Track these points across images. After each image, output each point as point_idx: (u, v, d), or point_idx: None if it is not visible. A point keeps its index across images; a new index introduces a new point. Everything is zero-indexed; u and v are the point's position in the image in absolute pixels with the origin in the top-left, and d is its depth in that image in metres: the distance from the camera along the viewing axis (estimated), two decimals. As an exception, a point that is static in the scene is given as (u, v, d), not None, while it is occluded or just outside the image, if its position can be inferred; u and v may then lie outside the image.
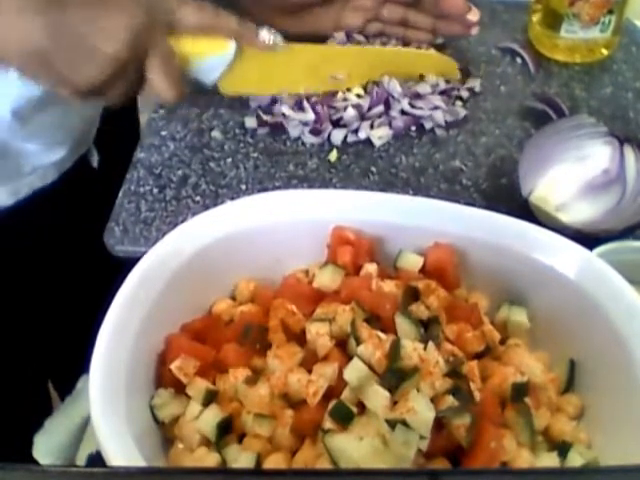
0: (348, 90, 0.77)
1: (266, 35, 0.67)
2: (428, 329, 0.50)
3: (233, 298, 0.57)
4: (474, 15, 0.79)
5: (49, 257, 0.85)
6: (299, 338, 0.51)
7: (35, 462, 0.55)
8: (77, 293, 0.90)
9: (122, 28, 0.57)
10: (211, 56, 0.66)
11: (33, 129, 0.71)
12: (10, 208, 0.75)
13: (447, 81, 0.80)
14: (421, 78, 0.80)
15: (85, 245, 0.75)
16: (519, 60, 0.87)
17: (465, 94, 0.81)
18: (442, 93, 0.79)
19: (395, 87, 0.77)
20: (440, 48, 0.85)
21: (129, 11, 0.58)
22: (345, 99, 0.77)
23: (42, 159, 0.75)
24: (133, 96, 0.63)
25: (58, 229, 0.83)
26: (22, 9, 0.55)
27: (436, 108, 0.77)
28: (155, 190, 0.71)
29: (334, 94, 0.77)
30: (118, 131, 0.64)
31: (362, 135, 0.75)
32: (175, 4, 0.62)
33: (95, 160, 0.83)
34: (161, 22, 0.61)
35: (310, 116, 0.76)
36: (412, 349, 0.47)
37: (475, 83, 0.82)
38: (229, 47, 0.66)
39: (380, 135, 0.75)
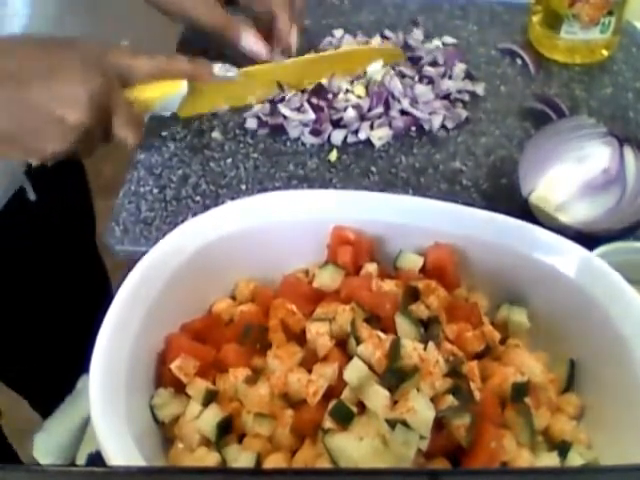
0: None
1: (220, 70, 0.69)
2: (428, 329, 0.51)
3: (233, 298, 0.57)
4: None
5: (47, 258, 0.85)
6: (299, 338, 0.51)
7: (35, 462, 0.55)
8: (77, 293, 0.90)
9: (81, 95, 0.56)
10: (167, 96, 0.67)
11: None
12: None
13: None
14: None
15: (83, 246, 0.75)
16: (519, 61, 0.87)
17: (467, 97, 0.81)
18: (444, 97, 0.79)
19: (396, 86, 0.77)
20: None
21: (84, 76, 0.57)
22: (346, 100, 0.77)
23: None
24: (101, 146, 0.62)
25: (48, 230, 0.82)
26: None
27: (437, 113, 0.77)
28: (155, 190, 0.71)
29: (335, 95, 0.77)
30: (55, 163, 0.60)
31: (362, 135, 0.75)
32: (127, 59, 0.62)
33: (31, 193, 0.80)
34: (116, 79, 0.60)
35: (310, 117, 0.76)
36: (412, 349, 0.47)
37: (479, 87, 0.82)
38: (182, 85, 0.67)
39: (380, 135, 0.75)
